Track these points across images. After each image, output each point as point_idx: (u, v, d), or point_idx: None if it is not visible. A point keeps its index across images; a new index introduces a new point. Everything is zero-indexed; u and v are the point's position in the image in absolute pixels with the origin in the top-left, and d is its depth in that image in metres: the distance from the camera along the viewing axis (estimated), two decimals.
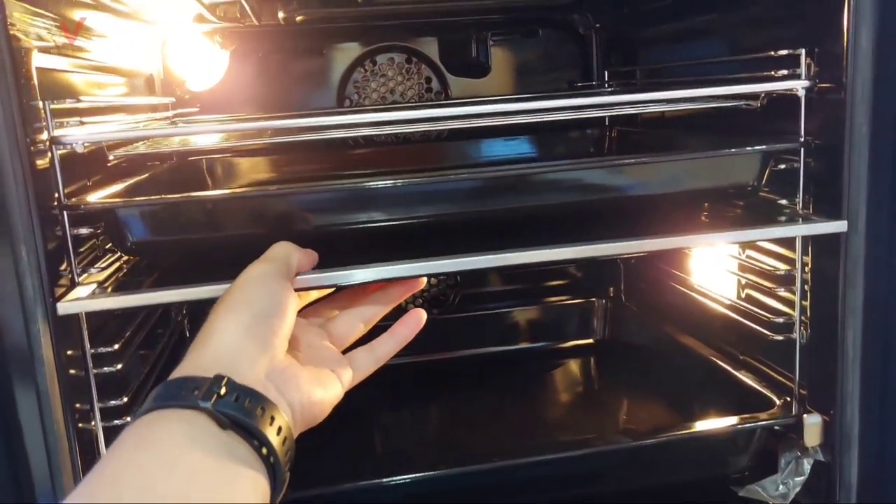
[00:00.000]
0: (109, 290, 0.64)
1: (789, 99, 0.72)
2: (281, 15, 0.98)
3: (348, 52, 1.15)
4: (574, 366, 1.12)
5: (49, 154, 0.60)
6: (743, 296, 0.89)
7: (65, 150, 0.61)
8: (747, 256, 0.85)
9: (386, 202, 0.65)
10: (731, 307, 0.91)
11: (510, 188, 0.68)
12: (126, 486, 0.39)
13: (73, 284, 0.62)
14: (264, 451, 0.44)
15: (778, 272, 0.78)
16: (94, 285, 0.64)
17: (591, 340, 1.17)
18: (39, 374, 0.58)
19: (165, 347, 0.93)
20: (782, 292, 0.78)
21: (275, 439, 0.45)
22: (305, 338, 0.57)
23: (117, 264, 0.72)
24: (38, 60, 0.60)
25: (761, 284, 0.82)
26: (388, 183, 0.64)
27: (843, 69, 0.67)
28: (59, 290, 0.60)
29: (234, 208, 0.64)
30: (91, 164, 0.71)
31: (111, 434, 0.66)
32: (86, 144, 0.60)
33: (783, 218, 0.73)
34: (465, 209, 0.68)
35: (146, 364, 0.84)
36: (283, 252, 0.57)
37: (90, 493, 0.39)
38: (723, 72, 0.87)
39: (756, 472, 0.79)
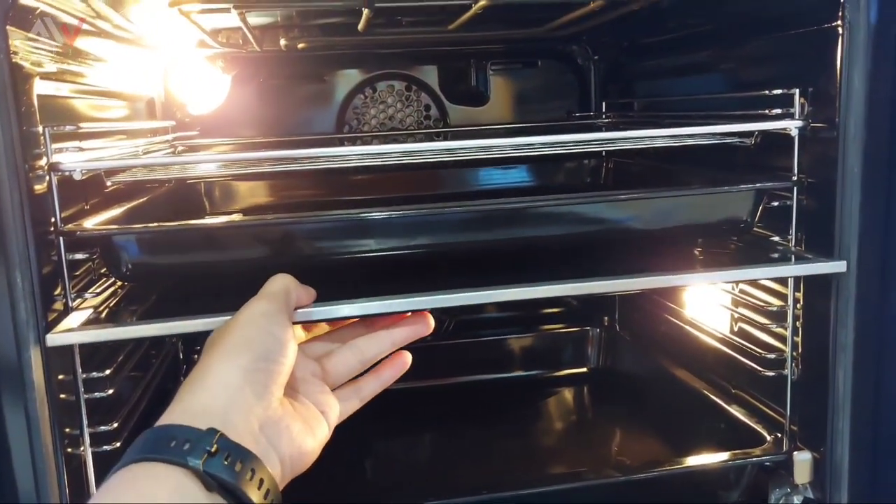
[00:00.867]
0: (104, 315, 0.64)
1: (783, 137, 0.73)
2: (283, 42, 1.00)
3: (349, 78, 1.17)
4: (567, 395, 1.12)
5: (47, 179, 0.60)
6: (736, 329, 0.89)
7: (63, 176, 0.62)
8: (740, 291, 0.86)
9: (377, 232, 0.66)
10: (724, 341, 0.91)
11: (503, 221, 0.68)
12: None
13: (67, 309, 0.62)
14: None
15: (770, 308, 0.79)
16: (90, 310, 0.65)
17: (584, 369, 1.17)
18: (29, 399, 0.58)
19: (158, 370, 0.93)
20: (775, 328, 0.79)
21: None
22: (300, 372, 0.56)
23: (113, 288, 0.72)
24: (40, 87, 0.61)
25: (754, 320, 0.82)
26: (383, 214, 0.65)
27: (835, 109, 0.68)
28: (53, 315, 0.60)
29: (228, 237, 0.64)
30: (89, 188, 0.72)
31: (100, 459, 0.66)
32: (84, 171, 0.61)
33: (776, 255, 0.73)
34: (451, 241, 0.68)
35: (138, 388, 0.84)
36: (283, 287, 0.55)
37: None
38: (719, 106, 0.88)
39: None
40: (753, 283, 0.83)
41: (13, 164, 0.56)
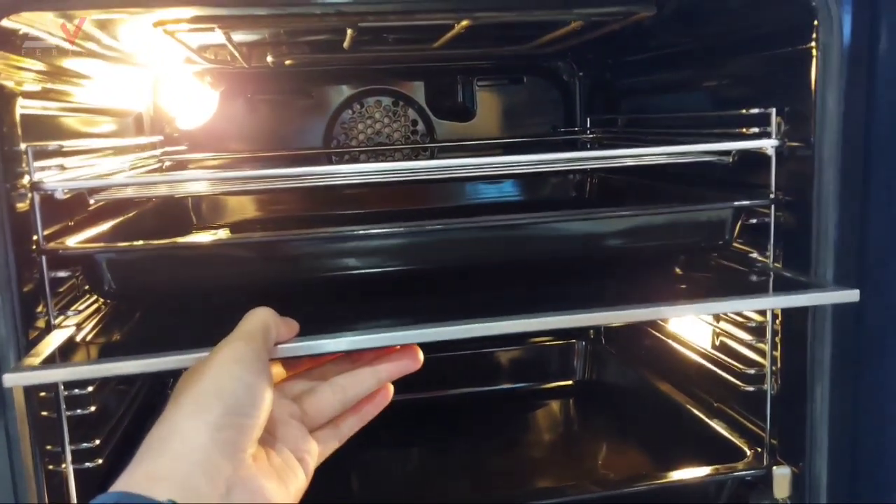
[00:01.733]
0: (87, 334, 0.64)
1: (761, 155, 0.74)
2: (270, 59, 1.00)
3: (336, 94, 1.18)
4: (553, 408, 1.12)
5: (29, 198, 0.61)
6: (717, 344, 0.89)
7: (45, 194, 0.62)
8: None
9: (360, 250, 0.66)
10: (706, 356, 0.91)
11: (476, 240, 0.69)
12: None
13: (49, 327, 0.63)
14: None
15: (750, 324, 0.79)
16: (73, 328, 0.65)
17: (570, 382, 1.18)
18: (10, 417, 0.58)
19: (144, 384, 0.94)
20: (755, 343, 0.79)
21: None
22: (278, 414, 0.51)
23: (96, 305, 0.73)
24: (23, 106, 0.62)
25: (734, 335, 0.83)
26: (363, 231, 0.65)
27: (810, 129, 0.69)
28: (34, 333, 0.60)
29: (211, 255, 0.65)
30: (73, 205, 0.72)
31: (82, 477, 0.66)
32: (66, 191, 0.61)
33: (754, 276, 0.74)
34: (426, 258, 0.68)
35: (123, 402, 0.84)
36: (261, 324, 0.51)
37: None
38: (699, 124, 0.89)
39: None
40: None
41: None
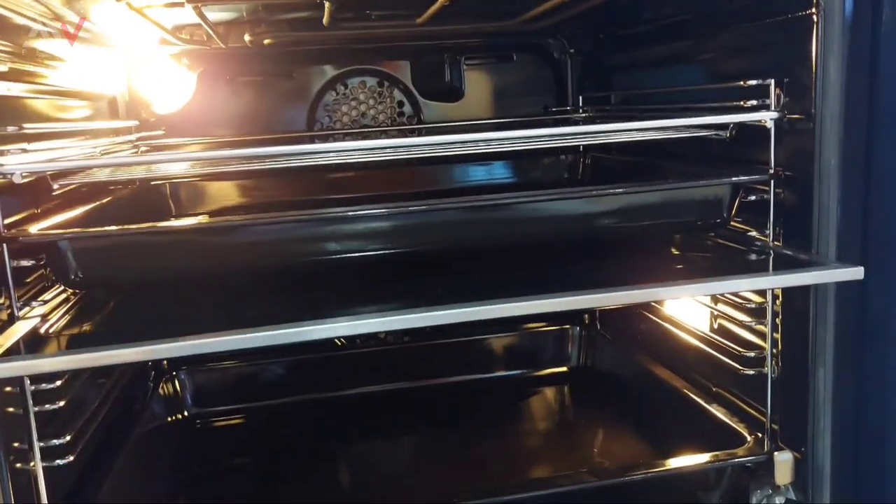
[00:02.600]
0: (52, 326, 0.61)
1: (760, 129, 0.71)
2: (247, 38, 0.97)
3: (319, 75, 1.14)
4: (548, 395, 1.10)
5: None
6: (715, 327, 0.87)
7: (5, 180, 0.59)
8: None
9: (340, 232, 0.63)
10: (704, 339, 0.89)
11: (467, 221, 0.66)
12: None
13: (12, 319, 0.60)
14: None
15: (749, 305, 0.77)
16: (37, 319, 0.62)
17: (565, 368, 1.15)
18: None
19: (123, 375, 0.91)
20: (754, 325, 0.77)
21: None
22: None
23: (65, 295, 0.69)
24: None
25: (733, 317, 0.80)
26: (340, 212, 0.62)
27: (811, 100, 0.66)
28: None
29: (183, 240, 0.62)
30: (39, 193, 0.69)
31: (52, 474, 0.63)
32: (24, 174, 0.58)
33: (753, 255, 0.71)
34: (411, 240, 0.65)
35: (99, 395, 0.81)
36: None
37: None
38: (696, 99, 0.86)
39: None
40: None
41: None
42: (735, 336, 0.81)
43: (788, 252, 0.70)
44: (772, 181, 0.71)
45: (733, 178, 0.71)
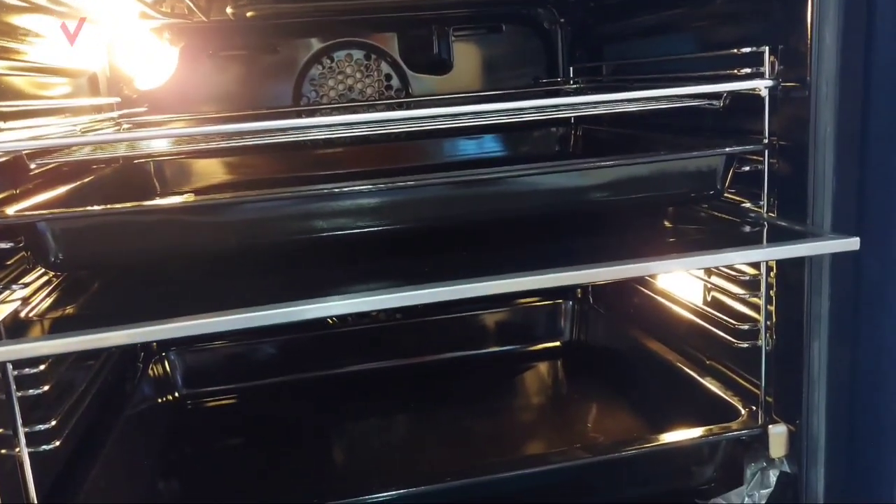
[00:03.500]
0: (33, 310, 0.60)
1: (754, 98, 0.70)
2: (229, 10, 0.94)
3: (304, 48, 1.11)
4: (541, 370, 1.09)
5: None
6: (709, 299, 0.86)
7: None
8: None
9: (324, 211, 0.62)
10: (697, 312, 0.88)
11: (456, 196, 0.64)
12: None
13: None
14: None
15: (743, 277, 0.76)
16: (18, 302, 0.61)
17: (558, 343, 1.15)
18: None
19: (110, 358, 0.89)
20: (748, 297, 0.76)
21: None
22: None
23: (47, 277, 0.68)
24: None
25: (727, 289, 0.80)
26: (328, 189, 0.61)
27: (807, 68, 0.65)
28: None
29: (165, 220, 0.60)
30: (17, 173, 0.67)
31: (38, 460, 0.62)
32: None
33: (747, 227, 0.70)
34: (395, 219, 0.64)
35: (86, 378, 0.80)
36: None
37: None
38: (689, 68, 0.84)
39: (722, 484, 0.76)
40: None
41: None
42: (729, 309, 0.81)
43: (783, 223, 0.69)
44: (766, 151, 0.70)
45: (727, 149, 0.69)
